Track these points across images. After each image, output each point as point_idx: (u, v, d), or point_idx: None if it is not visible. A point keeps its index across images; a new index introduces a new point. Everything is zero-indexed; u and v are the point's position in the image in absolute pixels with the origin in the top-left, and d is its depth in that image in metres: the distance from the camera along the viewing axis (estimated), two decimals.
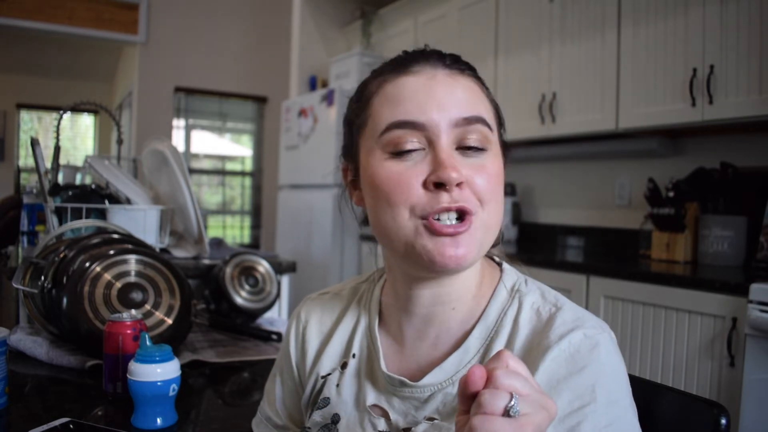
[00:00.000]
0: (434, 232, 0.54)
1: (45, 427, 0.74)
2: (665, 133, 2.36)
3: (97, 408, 0.87)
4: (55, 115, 6.62)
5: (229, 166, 5.45)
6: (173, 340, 1.07)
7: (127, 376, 0.79)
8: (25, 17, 4.38)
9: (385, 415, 0.61)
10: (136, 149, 4.50)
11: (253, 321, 1.47)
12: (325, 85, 4.00)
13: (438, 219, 0.54)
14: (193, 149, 5.22)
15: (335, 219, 3.37)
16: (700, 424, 0.63)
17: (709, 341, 1.70)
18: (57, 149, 1.64)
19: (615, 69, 2.29)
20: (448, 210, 0.54)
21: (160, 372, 0.78)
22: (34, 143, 1.42)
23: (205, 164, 5.37)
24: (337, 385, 0.65)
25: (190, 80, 4.85)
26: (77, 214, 1.48)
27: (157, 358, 0.79)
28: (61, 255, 1.10)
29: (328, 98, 3.42)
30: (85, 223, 1.38)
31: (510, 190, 3.01)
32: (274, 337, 1.29)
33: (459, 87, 0.57)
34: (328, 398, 0.65)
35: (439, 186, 0.54)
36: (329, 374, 0.66)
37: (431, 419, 0.58)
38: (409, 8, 3.49)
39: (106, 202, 1.60)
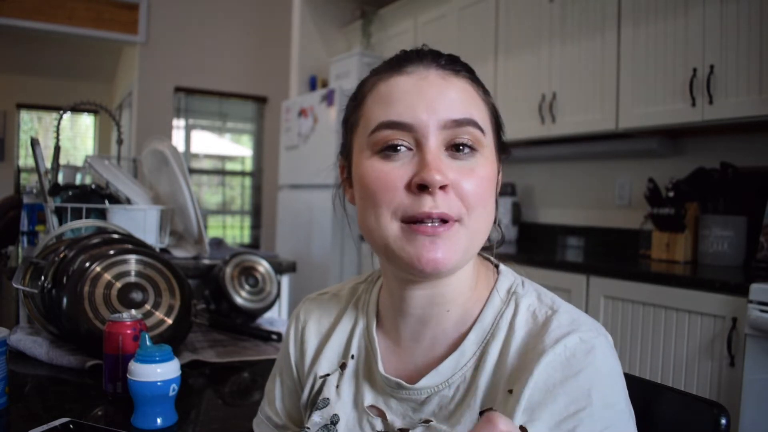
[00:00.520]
0: (414, 233, 0.54)
1: (45, 427, 0.74)
2: (665, 133, 2.36)
3: (97, 408, 0.87)
4: (55, 115, 6.62)
5: (229, 166, 5.45)
6: (173, 340, 1.07)
7: (127, 376, 0.79)
8: (25, 17, 4.37)
9: (382, 415, 0.61)
10: (136, 149, 4.50)
11: (253, 321, 1.47)
12: (325, 85, 4.00)
13: (420, 223, 0.54)
14: (193, 149, 5.22)
15: (335, 219, 3.38)
16: (700, 424, 0.63)
17: (709, 341, 1.70)
18: (57, 149, 1.64)
19: (615, 69, 2.29)
20: (429, 216, 0.53)
21: (160, 372, 0.78)
22: (34, 143, 1.42)
23: (205, 164, 5.37)
24: (337, 386, 0.65)
25: (190, 80, 4.85)
26: (77, 214, 1.48)
27: (157, 358, 0.79)
28: (61, 255, 1.10)
29: (328, 98, 3.42)
30: (85, 223, 1.38)
31: (510, 190, 3.01)
32: (274, 337, 1.29)
33: (451, 88, 0.56)
34: (328, 399, 0.65)
35: (423, 188, 0.53)
36: (328, 375, 0.66)
37: (427, 421, 0.58)
38: (409, 8, 3.49)
39: (106, 202, 1.60)
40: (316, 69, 4.16)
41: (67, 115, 1.74)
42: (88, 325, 1.01)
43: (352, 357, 0.66)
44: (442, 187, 0.53)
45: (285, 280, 1.84)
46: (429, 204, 0.53)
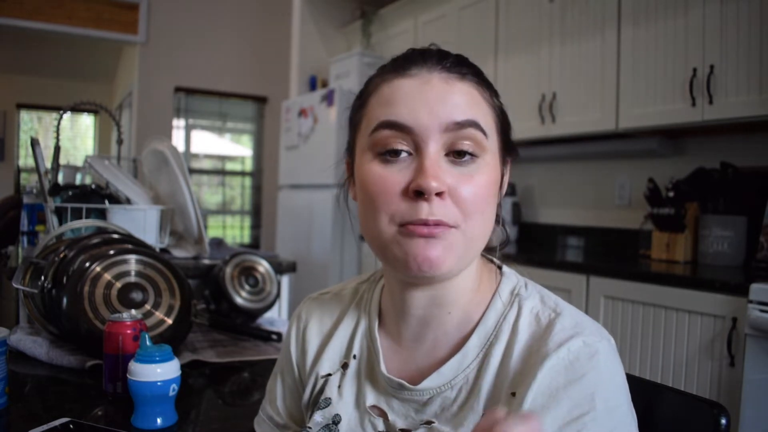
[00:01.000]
0: (408, 234, 0.54)
1: (45, 427, 0.74)
2: (665, 133, 2.36)
3: (97, 408, 0.87)
4: (55, 115, 6.62)
5: (229, 166, 5.45)
6: (173, 340, 1.07)
7: (127, 376, 0.79)
8: (25, 17, 4.37)
9: (384, 415, 0.61)
10: (136, 149, 4.50)
11: (253, 321, 1.47)
12: (325, 85, 4.00)
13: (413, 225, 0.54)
14: (193, 149, 5.21)
15: (335, 219, 3.38)
16: (700, 424, 0.63)
17: (709, 341, 1.70)
18: (57, 149, 1.64)
19: (615, 69, 2.29)
20: (425, 224, 0.53)
21: (160, 372, 0.78)
22: (34, 143, 1.42)
23: (205, 164, 5.37)
24: (339, 386, 0.65)
25: (190, 80, 4.85)
26: (77, 214, 1.47)
27: (157, 358, 0.79)
28: (61, 255, 1.10)
29: (328, 98, 3.42)
30: (85, 223, 1.38)
31: (510, 190, 3.01)
32: (274, 337, 1.29)
33: (454, 92, 0.55)
34: (330, 399, 0.65)
35: (419, 194, 0.53)
36: (329, 374, 0.66)
37: (429, 423, 0.58)
38: (409, 8, 3.49)
39: (106, 202, 1.59)
40: (316, 69, 4.16)
41: (67, 115, 1.73)
42: (88, 325, 1.01)
43: (354, 357, 0.66)
44: (439, 194, 0.53)
45: (285, 280, 1.84)
46: (425, 211, 0.53)
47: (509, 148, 0.63)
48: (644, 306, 1.89)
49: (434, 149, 0.54)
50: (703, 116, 1.98)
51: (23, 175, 6.67)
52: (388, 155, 0.55)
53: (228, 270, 1.44)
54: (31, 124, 7.17)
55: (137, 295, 1.08)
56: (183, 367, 0.84)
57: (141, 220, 1.56)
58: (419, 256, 0.53)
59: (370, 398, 0.63)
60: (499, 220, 0.65)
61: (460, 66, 0.58)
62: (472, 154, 0.55)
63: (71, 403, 0.88)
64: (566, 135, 2.53)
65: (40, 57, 6.08)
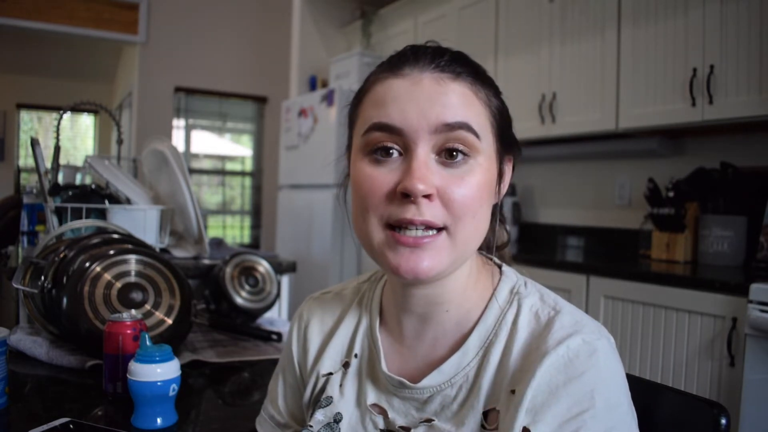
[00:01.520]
0: (396, 242, 0.54)
1: (45, 427, 0.74)
2: (665, 133, 2.36)
3: (97, 408, 0.87)
4: (55, 115, 6.63)
5: (229, 166, 5.45)
6: (173, 340, 1.07)
7: (127, 376, 0.79)
8: (25, 17, 4.37)
9: (384, 413, 0.61)
10: (136, 149, 4.50)
11: (253, 321, 1.47)
12: (325, 85, 4.00)
13: (404, 229, 0.54)
14: (193, 149, 5.21)
15: (335, 219, 3.38)
16: (700, 424, 0.63)
17: (709, 341, 1.70)
18: (57, 149, 1.64)
19: (615, 69, 2.29)
20: (411, 223, 0.53)
21: (160, 372, 0.78)
22: (34, 143, 1.42)
23: (205, 164, 5.37)
24: (340, 385, 0.65)
25: (190, 80, 4.85)
26: (77, 214, 1.47)
27: (157, 358, 0.79)
28: (61, 255, 1.10)
29: (328, 98, 3.42)
30: (85, 223, 1.38)
31: (510, 190, 3.00)
32: (274, 337, 1.29)
33: (446, 92, 0.54)
34: (331, 397, 0.65)
35: (406, 196, 0.53)
36: (331, 373, 0.66)
37: (429, 421, 0.58)
38: (409, 8, 3.49)
39: (106, 202, 1.59)
40: (316, 69, 4.16)
41: (67, 115, 1.73)
42: (88, 325, 1.01)
43: (356, 356, 0.66)
44: (427, 196, 0.53)
45: (285, 280, 1.84)
46: (412, 211, 0.53)
47: (509, 147, 0.62)
48: (644, 306, 1.89)
49: (423, 151, 0.54)
50: (703, 116, 1.98)
51: (23, 175, 6.67)
52: (379, 155, 0.55)
53: (228, 270, 1.44)
54: (31, 124, 7.17)
55: (137, 295, 1.08)
56: (183, 367, 0.84)
57: (141, 220, 1.56)
58: (402, 266, 0.54)
59: (371, 397, 0.63)
60: (503, 219, 0.65)
61: (455, 64, 0.57)
62: (463, 154, 0.54)
63: (71, 403, 0.88)
64: (566, 135, 2.53)
65: (40, 57, 6.08)
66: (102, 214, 1.54)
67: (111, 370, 0.89)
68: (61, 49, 5.80)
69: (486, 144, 0.56)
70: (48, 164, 1.53)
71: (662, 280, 1.84)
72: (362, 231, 0.57)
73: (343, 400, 0.64)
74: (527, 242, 3.03)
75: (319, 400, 0.66)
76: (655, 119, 2.16)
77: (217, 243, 1.96)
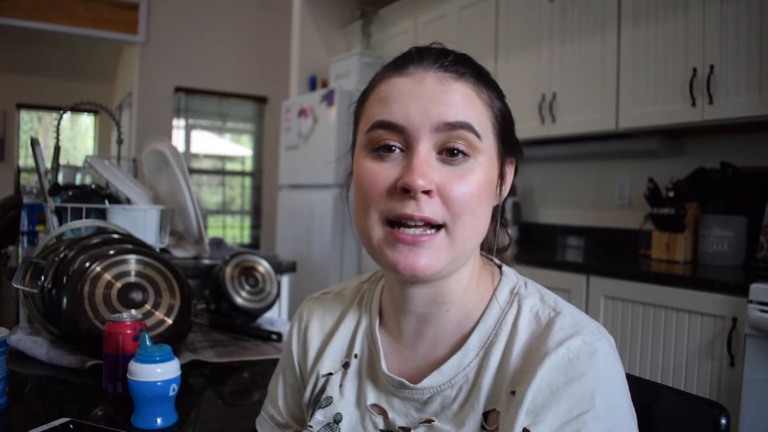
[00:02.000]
0: (395, 240, 0.54)
1: (45, 427, 0.74)
2: (665, 133, 2.36)
3: (97, 408, 0.87)
4: (55, 115, 6.62)
5: (229, 166, 5.44)
6: (173, 340, 1.07)
7: (127, 376, 0.79)
8: (25, 17, 4.37)
9: (384, 414, 0.61)
10: (136, 149, 4.50)
11: (253, 321, 1.47)
12: (325, 85, 4.00)
13: (403, 226, 0.54)
14: (193, 149, 5.21)
15: (335, 219, 3.38)
16: (700, 424, 0.63)
17: (709, 341, 1.70)
18: (57, 149, 1.64)
19: (615, 69, 2.29)
20: (411, 218, 0.53)
21: (160, 372, 0.78)
22: (34, 143, 1.42)
23: (205, 164, 5.37)
24: (340, 385, 0.65)
25: (190, 80, 4.85)
26: (77, 214, 1.47)
27: (157, 358, 0.79)
28: (61, 255, 1.10)
29: (328, 98, 3.42)
30: (85, 223, 1.38)
31: (510, 190, 3.00)
32: (274, 337, 1.29)
33: (448, 91, 0.55)
34: (331, 397, 0.65)
35: (406, 192, 0.53)
36: (331, 374, 0.67)
37: (429, 421, 0.58)
38: (409, 8, 3.49)
39: (106, 202, 1.59)
40: (316, 69, 4.16)
41: (67, 115, 1.73)
42: (88, 325, 1.01)
43: (356, 356, 0.66)
44: (427, 192, 0.53)
45: (285, 280, 1.84)
46: (412, 207, 0.53)
47: (511, 150, 0.62)
48: (644, 306, 1.89)
49: (425, 148, 0.54)
50: (703, 116, 1.98)
51: (23, 175, 6.66)
52: (381, 151, 0.56)
53: (228, 270, 1.44)
54: (31, 124, 7.16)
55: (137, 295, 1.08)
56: (183, 367, 0.84)
57: (141, 220, 1.56)
58: (400, 263, 0.54)
59: (371, 397, 0.63)
60: (504, 222, 0.65)
61: (459, 65, 0.57)
62: (464, 153, 0.55)
63: (71, 403, 0.88)
64: (566, 135, 2.53)
65: (40, 57, 6.08)
66: (102, 214, 1.54)
67: (111, 370, 0.89)
68: (61, 49, 5.80)
69: (487, 144, 0.57)
70: (48, 164, 1.53)
71: (662, 280, 1.84)
72: (363, 227, 0.57)
73: (343, 400, 0.64)
74: (527, 242, 3.03)
75: (319, 400, 0.66)
76: (655, 119, 2.16)
77: (217, 243, 1.95)
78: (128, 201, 1.61)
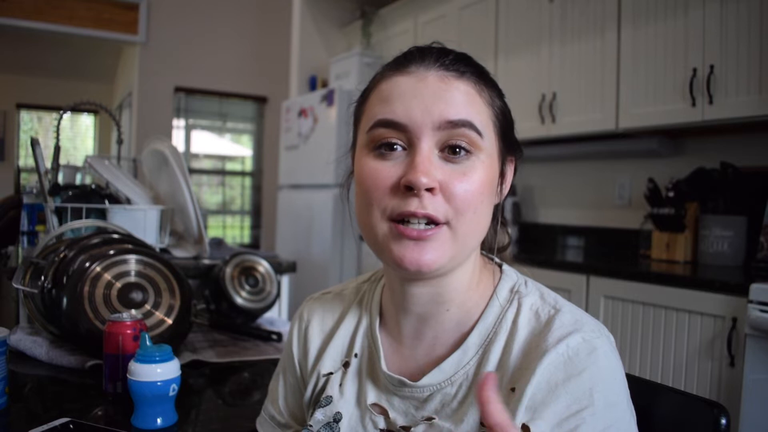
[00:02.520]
0: (400, 235, 0.54)
1: (45, 427, 0.74)
2: (665, 133, 2.36)
3: (97, 408, 0.87)
4: (55, 115, 6.63)
5: (229, 166, 5.44)
6: (173, 340, 1.07)
7: (127, 376, 0.79)
8: (25, 17, 4.37)
9: (384, 413, 0.62)
10: (136, 149, 4.50)
11: (253, 321, 1.47)
12: (325, 85, 4.00)
13: (407, 222, 0.54)
14: (193, 149, 5.21)
15: (335, 219, 3.38)
16: (700, 424, 0.63)
17: (709, 341, 1.70)
18: (57, 149, 1.64)
19: (615, 69, 2.29)
20: (414, 215, 0.53)
21: (160, 372, 0.78)
22: (34, 143, 1.42)
23: (205, 164, 5.37)
24: (340, 384, 0.65)
25: (190, 80, 4.85)
26: (77, 214, 1.47)
27: (157, 358, 0.79)
28: (61, 255, 1.10)
29: (328, 98, 3.42)
30: (85, 223, 1.38)
31: (510, 190, 2.99)
32: (274, 337, 1.29)
33: (449, 90, 0.55)
34: (331, 397, 0.65)
35: (410, 189, 0.53)
36: (331, 373, 0.67)
37: (429, 419, 0.58)
38: (409, 8, 3.49)
39: (106, 202, 1.59)
40: (316, 69, 4.16)
41: (67, 115, 1.73)
42: (88, 325, 1.01)
43: (356, 355, 0.66)
44: (430, 190, 0.53)
45: (285, 280, 1.84)
46: (415, 204, 0.53)
47: (511, 149, 0.62)
48: (644, 306, 1.89)
49: (427, 146, 0.54)
50: (703, 116, 1.98)
51: (23, 175, 6.65)
52: (383, 149, 0.56)
53: (228, 270, 1.44)
54: (31, 124, 7.16)
55: (137, 295, 1.08)
56: (183, 367, 0.84)
57: (141, 220, 1.56)
58: (406, 258, 0.54)
59: (371, 396, 0.63)
60: (504, 222, 0.65)
61: (459, 64, 0.58)
62: (466, 151, 0.55)
63: (71, 403, 0.88)
64: (566, 135, 2.53)
65: (40, 57, 6.07)
66: (102, 214, 1.54)
67: (111, 370, 0.89)
68: (61, 49, 5.80)
69: (488, 143, 0.57)
70: (48, 164, 1.53)
71: (662, 280, 1.84)
72: (366, 225, 0.57)
73: (343, 399, 0.64)
74: (527, 242, 3.03)
75: (319, 399, 0.66)
76: (655, 119, 2.16)
77: (217, 243, 1.95)
78: (128, 201, 1.61)
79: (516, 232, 3.00)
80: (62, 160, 1.69)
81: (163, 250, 1.67)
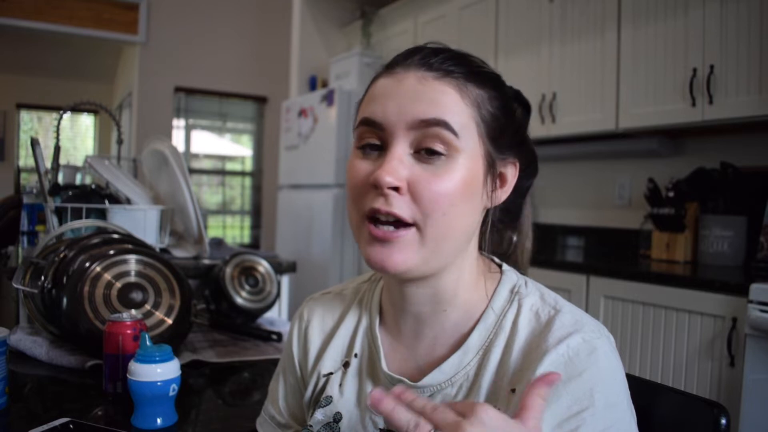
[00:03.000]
0: (369, 234, 0.55)
1: (45, 427, 0.74)
2: (665, 133, 2.36)
3: (97, 408, 0.87)
4: (55, 115, 6.63)
5: (229, 166, 5.45)
6: (173, 340, 1.07)
7: (127, 376, 0.79)
8: (25, 17, 4.37)
9: None
10: (136, 149, 4.50)
11: (253, 321, 1.47)
12: (325, 85, 4.00)
13: (377, 221, 0.55)
14: (193, 149, 5.21)
15: (335, 219, 3.37)
16: (700, 424, 0.63)
17: (709, 341, 1.70)
18: (57, 149, 1.64)
19: (615, 69, 2.29)
20: (378, 212, 0.54)
21: (160, 372, 0.78)
22: (34, 143, 1.42)
23: (205, 164, 5.37)
24: (340, 385, 0.65)
25: (190, 80, 4.85)
26: (77, 214, 1.47)
27: (157, 358, 0.79)
28: (61, 255, 1.10)
29: (328, 98, 3.42)
30: (85, 223, 1.38)
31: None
32: (274, 337, 1.29)
33: (426, 90, 0.55)
34: (331, 397, 0.65)
35: (376, 188, 0.54)
36: (331, 373, 0.67)
37: None
38: (409, 8, 3.49)
39: (106, 202, 1.59)
40: (316, 69, 4.16)
41: (67, 115, 1.73)
42: (88, 325, 1.01)
43: (356, 355, 0.66)
44: (397, 189, 0.54)
45: (285, 280, 1.84)
46: (380, 202, 0.54)
47: (510, 150, 0.62)
48: (644, 306, 1.89)
49: (399, 145, 0.55)
50: (703, 116, 1.98)
51: (23, 175, 6.65)
52: (367, 148, 0.57)
53: (228, 270, 1.44)
54: (31, 124, 7.16)
55: (137, 295, 1.08)
56: (183, 367, 0.84)
57: (141, 220, 1.56)
58: (372, 257, 0.55)
59: None
60: (521, 229, 0.65)
61: (447, 63, 0.57)
62: (440, 152, 0.54)
63: (71, 403, 0.88)
64: (566, 135, 2.53)
65: (40, 57, 6.07)
66: (102, 214, 1.54)
67: (111, 370, 0.89)
68: (61, 49, 5.80)
69: (467, 143, 0.55)
70: (48, 164, 1.53)
71: (662, 280, 1.84)
72: (350, 222, 0.59)
73: (343, 399, 0.64)
74: None
75: (319, 399, 0.66)
76: (655, 119, 2.16)
77: (217, 243, 1.95)
78: (128, 201, 1.61)
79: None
80: (62, 160, 1.69)
81: (163, 250, 1.67)
